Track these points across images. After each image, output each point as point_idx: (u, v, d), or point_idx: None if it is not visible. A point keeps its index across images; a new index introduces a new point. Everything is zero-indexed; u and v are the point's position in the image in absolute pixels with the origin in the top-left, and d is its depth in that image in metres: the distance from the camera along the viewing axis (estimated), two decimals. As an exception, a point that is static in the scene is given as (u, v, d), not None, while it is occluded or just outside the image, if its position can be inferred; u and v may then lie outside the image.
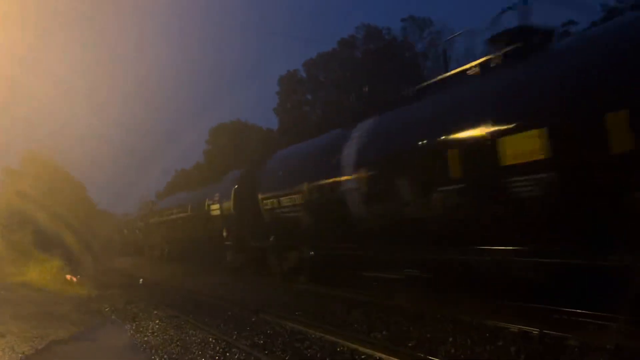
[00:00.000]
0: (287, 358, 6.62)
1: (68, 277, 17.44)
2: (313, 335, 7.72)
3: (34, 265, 19.21)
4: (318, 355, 6.66)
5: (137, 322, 9.87)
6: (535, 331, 6.77)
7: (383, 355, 6.32)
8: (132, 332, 9.12)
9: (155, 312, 10.92)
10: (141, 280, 18.33)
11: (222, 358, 6.74)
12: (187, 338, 8.12)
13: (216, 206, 19.04)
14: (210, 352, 7.12)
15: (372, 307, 9.62)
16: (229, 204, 17.66)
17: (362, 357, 6.42)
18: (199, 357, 6.88)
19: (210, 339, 7.85)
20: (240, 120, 42.37)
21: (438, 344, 6.80)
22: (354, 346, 6.86)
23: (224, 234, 18.15)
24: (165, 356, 7.14)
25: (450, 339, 6.93)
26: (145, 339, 8.40)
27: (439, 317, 8.20)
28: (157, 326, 9.32)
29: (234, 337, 7.97)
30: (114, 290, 15.57)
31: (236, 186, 17.27)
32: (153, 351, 7.50)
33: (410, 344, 6.93)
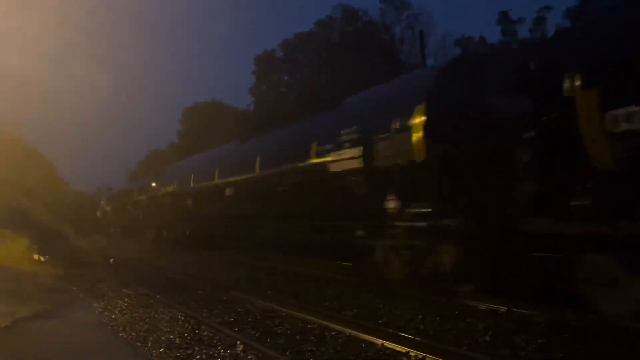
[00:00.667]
0: (257, 335, 6.59)
1: (36, 256, 17.03)
2: (284, 313, 7.72)
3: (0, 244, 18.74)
4: (289, 332, 6.65)
5: (105, 301, 9.71)
6: (503, 309, 6.91)
7: (353, 332, 6.35)
8: (100, 310, 8.96)
9: (124, 290, 10.76)
10: (111, 260, 18.05)
11: (191, 335, 6.66)
12: (156, 316, 8.02)
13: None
14: (179, 329, 7.04)
15: (344, 285, 9.67)
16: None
17: (333, 333, 6.44)
18: (167, 334, 6.79)
19: (180, 317, 7.77)
20: (215, 101, 41.82)
21: (407, 321, 6.87)
22: (325, 323, 6.88)
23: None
24: (133, 333, 7.03)
25: (420, 317, 7.01)
26: (113, 317, 8.27)
27: (408, 296, 8.28)
28: (125, 304, 9.18)
29: (204, 314, 7.90)
30: (83, 270, 15.28)
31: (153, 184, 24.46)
32: (121, 328, 7.38)
33: (380, 321, 6.99)
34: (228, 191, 15.37)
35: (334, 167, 10.38)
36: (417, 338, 5.93)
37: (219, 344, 6.16)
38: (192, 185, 18.79)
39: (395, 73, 30.76)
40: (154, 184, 24.41)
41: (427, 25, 33.75)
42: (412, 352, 5.43)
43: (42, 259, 16.85)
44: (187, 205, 19.19)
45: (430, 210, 8.19)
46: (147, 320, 7.76)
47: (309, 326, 6.91)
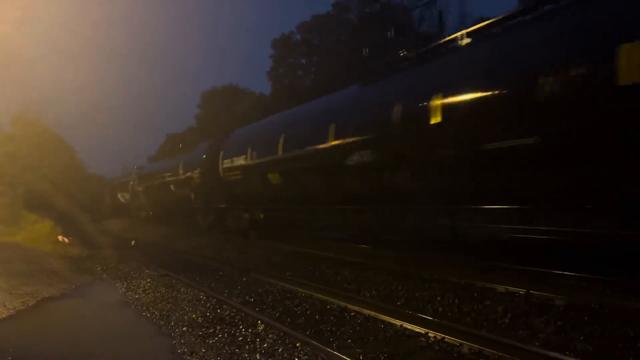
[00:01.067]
0: (277, 315, 6.69)
1: (60, 237, 17.43)
2: (303, 294, 7.81)
3: (24, 226, 19.21)
4: (308, 312, 6.74)
5: (128, 281, 9.93)
6: (522, 291, 6.90)
7: (371, 313, 6.41)
8: (123, 290, 9.17)
9: (147, 271, 10.98)
10: (133, 241, 18.39)
11: (213, 314, 6.80)
12: (179, 296, 8.20)
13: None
14: (201, 308, 7.19)
15: (360, 268, 9.72)
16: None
17: (352, 314, 6.51)
18: (190, 314, 6.94)
19: (202, 297, 7.92)
20: (232, 85, 41.87)
21: (426, 303, 6.91)
22: (344, 304, 6.95)
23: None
24: (156, 312, 7.20)
25: (438, 299, 7.04)
26: (137, 296, 8.47)
27: (426, 278, 8.31)
28: (148, 284, 9.38)
29: (225, 294, 8.04)
30: (105, 251, 15.61)
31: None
32: (144, 307, 7.56)
33: (399, 303, 7.04)
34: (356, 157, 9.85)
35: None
36: (435, 319, 5.97)
37: (240, 323, 6.28)
38: (280, 154, 13.03)
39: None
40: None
41: (445, 5, 33.24)
42: (431, 333, 5.48)
43: (66, 240, 17.23)
44: (272, 182, 13.72)
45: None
46: (169, 299, 7.94)
47: (327, 307, 7.00)
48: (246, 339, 5.65)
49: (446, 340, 5.30)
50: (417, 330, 5.66)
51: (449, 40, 8.97)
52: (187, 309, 7.26)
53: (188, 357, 5.29)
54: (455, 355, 4.99)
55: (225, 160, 16.87)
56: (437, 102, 7.88)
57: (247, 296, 7.89)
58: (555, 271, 7.37)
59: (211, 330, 6.06)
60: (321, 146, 11.11)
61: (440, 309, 6.63)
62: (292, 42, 36.33)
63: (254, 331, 5.92)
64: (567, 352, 4.75)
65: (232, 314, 6.77)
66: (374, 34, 29.04)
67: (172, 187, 23.85)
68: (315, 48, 35.22)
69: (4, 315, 7.26)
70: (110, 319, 7.36)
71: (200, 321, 6.53)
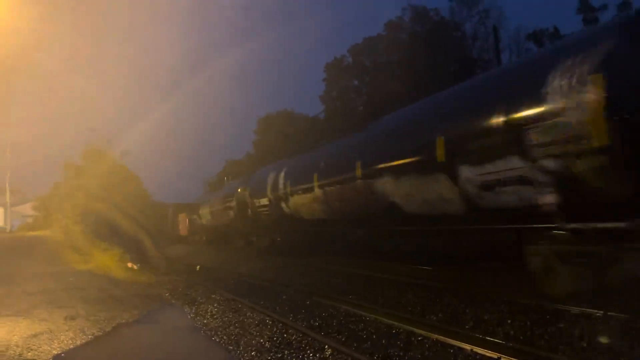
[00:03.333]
0: (343, 339, 6.70)
1: (129, 264, 18.20)
2: (368, 318, 7.78)
3: (97, 254, 20.18)
4: (374, 337, 6.70)
5: (196, 306, 10.21)
6: (599, 313, 6.58)
7: (439, 337, 6.30)
8: (192, 315, 9.44)
9: (213, 296, 11.26)
10: (198, 267, 18.91)
11: (279, 339, 6.89)
12: (245, 320, 8.35)
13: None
14: (268, 333, 7.30)
15: (422, 289, 9.58)
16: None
17: (419, 338, 6.42)
18: (257, 338, 7.06)
19: (268, 321, 8.04)
20: (286, 110, 42.80)
21: (496, 326, 6.72)
22: (410, 328, 6.87)
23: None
24: (224, 337, 7.37)
25: (509, 321, 6.83)
26: (205, 321, 8.69)
27: (494, 299, 8.07)
28: (215, 309, 9.61)
29: (290, 318, 8.13)
30: (171, 277, 16.13)
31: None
32: (213, 332, 7.75)
33: (467, 326, 6.88)
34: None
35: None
36: (508, 343, 5.79)
37: (307, 347, 6.33)
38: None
39: (468, 70, 30.06)
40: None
41: (499, 19, 32.79)
42: (504, 358, 5.32)
43: (135, 267, 17.97)
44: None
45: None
46: (236, 324, 8.10)
47: (393, 331, 6.94)
48: (315, 364, 5.68)
49: (520, 365, 5.14)
50: (488, 354, 5.51)
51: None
52: (255, 333, 7.39)
53: (259, 382, 5.37)
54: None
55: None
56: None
57: (312, 320, 7.95)
58: None
59: (279, 355, 6.14)
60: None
61: (511, 331, 6.44)
62: (344, 65, 36.78)
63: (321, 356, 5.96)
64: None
65: (299, 338, 6.84)
66: (427, 53, 28.97)
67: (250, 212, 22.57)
68: (367, 69, 35.47)
69: (84, 341, 7.64)
70: (183, 343, 7.58)
71: (268, 346, 6.63)
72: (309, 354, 6.03)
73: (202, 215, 33.42)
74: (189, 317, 9.34)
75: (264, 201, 19.44)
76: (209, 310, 9.54)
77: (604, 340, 5.64)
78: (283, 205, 17.60)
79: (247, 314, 8.77)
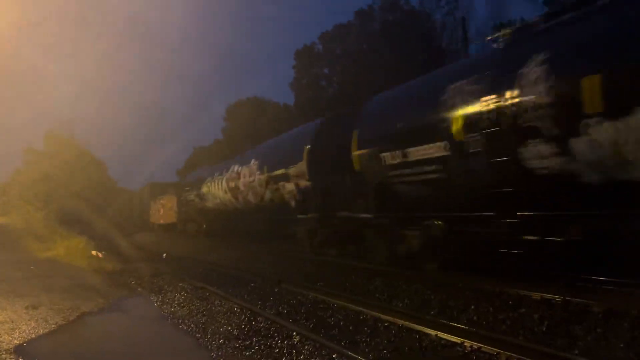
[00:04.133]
0: (311, 326, 6.75)
1: (93, 252, 17.84)
2: (335, 305, 7.85)
3: (60, 242, 19.72)
4: (342, 323, 6.78)
5: (163, 294, 10.11)
6: (558, 298, 6.81)
7: (405, 323, 6.41)
8: (159, 303, 9.35)
9: (180, 284, 11.16)
10: (164, 254, 18.68)
11: (248, 326, 6.89)
12: (213, 308, 8.32)
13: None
14: (236, 320, 7.29)
15: (392, 277, 9.71)
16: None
17: (385, 324, 6.53)
18: (225, 326, 7.05)
19: (236, 309, 8.03)
20: (256, 97, 42.38)
21: (460, 312, 6.88)
22: (377, 314, 6.97)
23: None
24: (192, 325, 7.33)
25: (472, 307, 7.00)
26: (172, 309, 8.62)
27: (460, 286, 8.25)
28: (182, 297, 9.53)
29: (259, 306, 8.14)
30: (137, 264, 15.90)
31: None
32: (180, 321, 7.70)
33: (432, 312, 7.02)
34: None
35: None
36: (471, 328, 5.94)
37: (275, 334, 6.36)
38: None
39: (437, 61, 30.33)
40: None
41: (468, 10, 33.10)
42: (467, 343, 5.46)
43: (100, 255, 17.62)
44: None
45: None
46: (204, 312, 8.07)
47: (361, 317, 7.02)
48: (282, 351, 5.71)
49: (482, 349, 5.28)
50: (452, 340, 5.64)
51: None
52: (223, 321, 7.37)
53: (227, 370, 5.37)
54: (494, 364, 4.96)
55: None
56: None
57: (280, 307, 7.98)
58: (591, 277, 7.24)
59: (247, 342, 6.15)
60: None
61: (475, 317, 6.60)
62: (314, 53, 36.59)
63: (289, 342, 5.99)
64: (608, 361, 4.70)
65: (267, 325, 6.86)
66: (396, 41, 29.08)
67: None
68: (337, 58, 35.40)
69: (47, 330, 7.48)
70: (149, 332, 7.52)
71: (236, 333, 6.62)
72: (277, 341, 6.05)
73: (193, 198, 26.14)
74: (155, 305, 9.25)
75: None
76: (176, 299, 9.47)
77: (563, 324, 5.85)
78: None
79: (216, 302, 8.73)
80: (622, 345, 5.05)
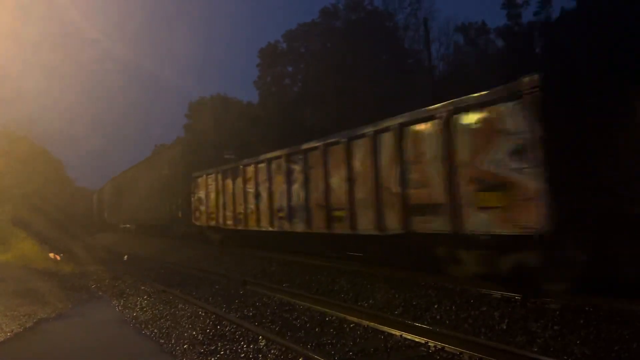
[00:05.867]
0: (277, 329, 6.74)
1: (51, 254, 17.30)
2: (301, 306, 7.86)
3: (15, 243, 19.04)
4: (307, 325, 6.79)
5: (124, 298, 9.89)
6: (518, 296, 7.01)
7: (371, 323, 6.48)
8: (120, 307, 9.14)
9: (142, 287, 10.95)
10: (126, 256, 18.28)
11: (213, 331, 6.82)
12: (177, 312, 8.20)
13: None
14: (200, 325, 7.20)
15: (357, 276, 9.79)
16: None
17: (351, 325, 6.58)
18: (190, 330, 6.95)
19: (200, 312, 7.93)
20: (220, 95, 41.90)
21: (423, 311, 7.00)
22: (343, 315, 7.02)
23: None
24: (155, 330, 7.20)
25: (435, 306, 7.13)
26: (134, 314, 8.44)
27: (421, 285, 8.39)
28: (145, 301, 9.35)
29: (223, 309, 8.06)
30: (97, 267, 15.51)
31: None
32: (143, 326, 7.55)
33: (396, 312, 7.12)
34: None
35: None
36: (435, 328, 6.05)
37: (241, 339, 6.31)
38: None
39: (399, 60, 30.68)
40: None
41: (430, 11, 33.65)
42: (431, 342, 5.57)
43: (58, 257, 17.10)
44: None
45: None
46: (168, 317, 7.93)
47: (327, 318, 7.06)
48: (248, 356, 5.68)
49: (446, 349, 5.39)
50: (417, 340, 5.74)
51: None
52: (187, 325, 7.27)
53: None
54: (457, 364, 5.07)
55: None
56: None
57: (246, 310, 7.93)
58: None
59: (212, 347, 6.08)
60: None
61: (438, 316, 6.73)
62: (278, 51, 36.47)
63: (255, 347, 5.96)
64: (565, 357, 4.86)
65: (232, 329, 6.81)
66: (359, 41, 29.27)
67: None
68: (302, 56, 35.39)
69: (1, 339, 7.21)
70: (110, 338, 7.33)
71: (201, 338, 6.55)
72: (243, 346, 6.01)
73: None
74: (117, 310, 9.05)
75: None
76: (138, 303, 9.27)
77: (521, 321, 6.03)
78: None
79: (179, 306, 8.60)
80: (578, 342, 5.24)
